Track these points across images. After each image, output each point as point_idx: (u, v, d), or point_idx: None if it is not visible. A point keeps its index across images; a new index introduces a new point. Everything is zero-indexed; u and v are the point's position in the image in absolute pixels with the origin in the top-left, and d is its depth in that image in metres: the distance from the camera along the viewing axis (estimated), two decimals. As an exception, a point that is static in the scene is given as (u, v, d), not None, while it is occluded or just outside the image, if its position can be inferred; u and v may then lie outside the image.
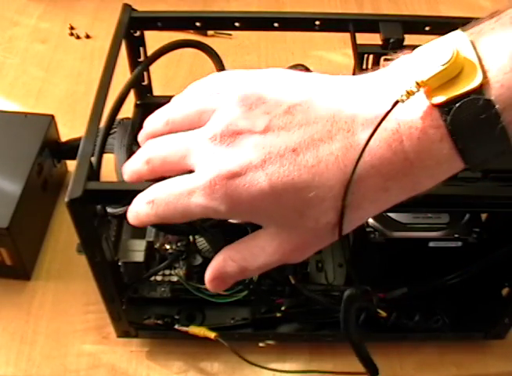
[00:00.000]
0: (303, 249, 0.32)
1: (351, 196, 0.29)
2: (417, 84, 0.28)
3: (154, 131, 0.36)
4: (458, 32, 0.29)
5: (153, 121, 0.37)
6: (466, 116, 0.27)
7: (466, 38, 0.28)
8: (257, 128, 0.30)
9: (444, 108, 0.28)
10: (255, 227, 0.33)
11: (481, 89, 0.27)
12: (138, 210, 0.34)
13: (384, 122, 0.29)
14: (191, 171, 0.33)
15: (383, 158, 0.29)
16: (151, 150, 0.35)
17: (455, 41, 0.28)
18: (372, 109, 0.29)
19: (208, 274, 0.35)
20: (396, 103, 0.28)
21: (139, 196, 0.35)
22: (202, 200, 0.31)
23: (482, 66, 0.27)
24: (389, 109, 0.28)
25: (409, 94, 0.28)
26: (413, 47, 0.31)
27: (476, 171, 0.33)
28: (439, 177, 0.30)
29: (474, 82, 0.27)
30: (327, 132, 0.29)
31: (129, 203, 0.36)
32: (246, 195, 0.30)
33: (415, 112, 0.28)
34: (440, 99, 0.28)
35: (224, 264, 0.34)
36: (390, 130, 0.29)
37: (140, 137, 0.38)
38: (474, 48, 0.28)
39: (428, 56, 0.29)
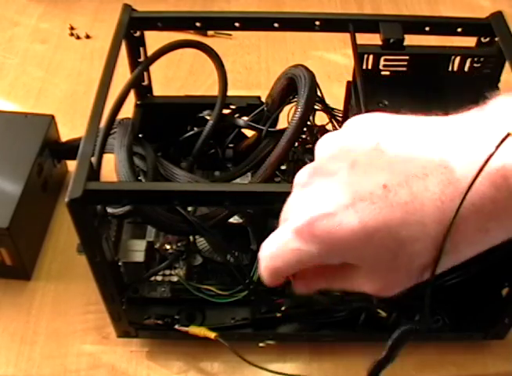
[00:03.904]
0: (393, 288, 0.31)
1: (448, 237, 0.28)
2: None
3: None
4: None
5: None
6: None
7: None
8: (343, 168, 0.30)
9: None
10: (255, 228, 0.33)
11: None
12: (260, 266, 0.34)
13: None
14: None
15: (485, 196, 0.27)
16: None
17: None
18: (472, 145, 0.28)
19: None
20: (507, 136, 0.27)
21: None
22: (296, 244, 0.30)
23: None
24: (499, 142, 0.27)
25: None
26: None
27: None
28: None
29: None
30: (422, 168, 0.28)
31: (129, 203, 0.36)
32: (337, 236, 0.29)
33: None
34: None
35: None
36: (494, 166, 0.27)
37: None
38: None
39: None
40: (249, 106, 0.58)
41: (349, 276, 0.32)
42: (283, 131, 0.50)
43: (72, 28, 0.89)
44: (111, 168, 0.50)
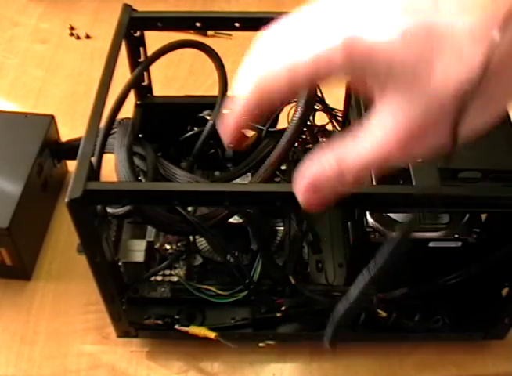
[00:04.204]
0: (420, 135, 0.27)
1: (497, 56, 0.23)
2: None
3: None
4: None
5: None
6: None
7: None
8: None
9: None
10: (255, 228, 0.33)
11: None
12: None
13: None
14: None
15: None
16: None
17: None
18: None
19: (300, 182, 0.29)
20: None
21: None
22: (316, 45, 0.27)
23: None
24: None
25: None
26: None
27: None
28: None
29: None
30: None
31: (129, 203, 0.36)
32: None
33: None
34: None
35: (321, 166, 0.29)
36: None
37: None
38: None
39: None
40: (249, 106, 0.58)
41: (385, 107, 0.27)
42: (283, 131, 0.50)
43: (72, 28, 0.89)
44: (111, 168, 0.50)
